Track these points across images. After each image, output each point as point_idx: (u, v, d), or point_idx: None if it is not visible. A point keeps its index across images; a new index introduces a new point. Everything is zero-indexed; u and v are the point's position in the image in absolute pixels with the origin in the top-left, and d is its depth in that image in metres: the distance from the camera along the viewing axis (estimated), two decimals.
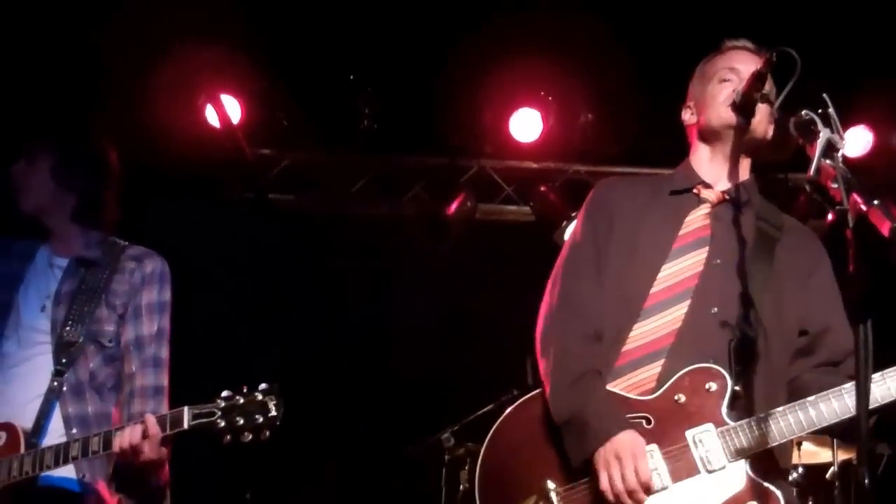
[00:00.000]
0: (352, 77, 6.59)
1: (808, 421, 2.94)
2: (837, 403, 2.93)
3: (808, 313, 3.17)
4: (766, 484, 2.93)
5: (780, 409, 2.96)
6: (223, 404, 3.30)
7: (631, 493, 2.92)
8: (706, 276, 3.12)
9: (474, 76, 6.38)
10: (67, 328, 3.60)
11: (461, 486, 5.90)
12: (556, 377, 3.12)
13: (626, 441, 2.96)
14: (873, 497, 2.39)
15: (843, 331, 3.11)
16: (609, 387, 3.10)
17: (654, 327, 3.11)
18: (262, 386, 3.34)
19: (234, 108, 6.40)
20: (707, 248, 3.17)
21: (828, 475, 5.65)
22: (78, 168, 3.76)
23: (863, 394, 2.31)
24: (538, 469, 3.06)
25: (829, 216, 2.36)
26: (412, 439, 6.06)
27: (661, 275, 3.16)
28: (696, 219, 3.24)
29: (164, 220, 5.80)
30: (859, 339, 2.35)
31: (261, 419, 3.29)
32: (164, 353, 3.73)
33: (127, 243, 3.85)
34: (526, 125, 6.70)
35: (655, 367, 3.07)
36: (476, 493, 3.13)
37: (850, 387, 2.90)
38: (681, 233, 3.22)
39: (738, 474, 2.94)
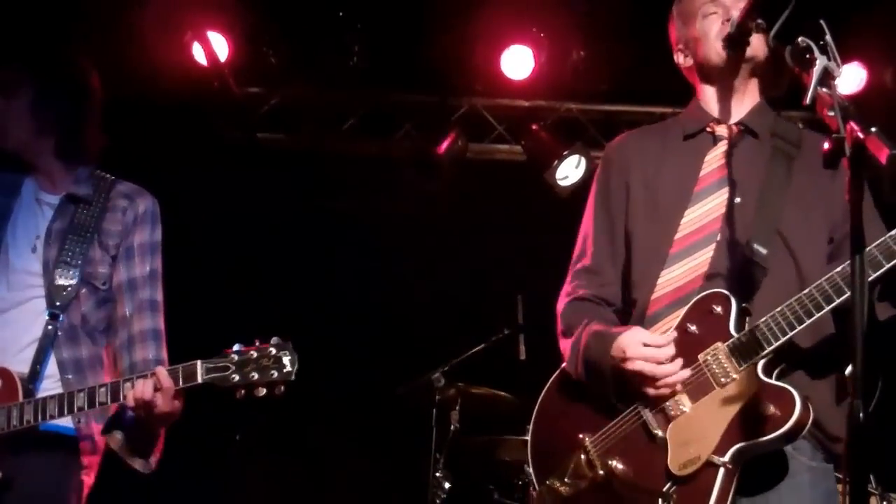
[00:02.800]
0: (341, 14, 6.49)
1: (806, 311, 2.93)
2: (829, 287, 2.91)
3: (832, 220, 3.15)
4: (779, 384, 2.95)
5: (778, 308, 2.96)
6: (237, 358, 3.27)
7: (662, 382, 3.02)
8: (729, 216, 3.13)
9: (465, 13, 6.29)
10: (59, 270, 3.53)
11: (451, 427, 5.90)
12: (569, 343, 3.25)
13: (618, 351, 3.06)
14: (869, 430, 2.36)
15: (871, 229, 3.05)
16: None
17: (682, 273, 3.15)
18: (275, 339, 3.31)
19: (221, 45, 6.30)
20: (727, 188, 3.17)
21: None
22: (59, 100, 3.63)
23: (859, 322, 2.28)
24: (576, 429, 3.20)
25: (826, 145, 2.31)
26: (402, 380, 6.05)
27: (684, 220, 3.19)
28: (714, 158, 3.24)
29: (151, 159, 5.74)
30: (854, 270, 2.32)
31: (276, 374, 3.26)
32: (159, 295, 3.68)
33: (114, 178, 3.76)
34: (517, 62, 6.61)
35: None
36: (530, 464, 3.31)
37: (841, 270, 2.90)
38: (701, 174, 3.23)
39: (750, 380, 2.97)
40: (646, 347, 3.04)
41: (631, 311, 3.26)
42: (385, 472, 7.01)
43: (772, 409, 2.90)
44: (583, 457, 3.14)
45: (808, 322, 2.94)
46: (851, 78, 6.33)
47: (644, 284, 3.21)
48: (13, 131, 3.62)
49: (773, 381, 2.96)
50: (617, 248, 3.32)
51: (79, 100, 3.69)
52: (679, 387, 3.04)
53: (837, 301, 2.90)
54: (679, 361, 3.02)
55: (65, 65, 3.71)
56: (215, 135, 6.74)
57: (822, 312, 2.92)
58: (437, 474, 5.79)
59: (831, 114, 2.46)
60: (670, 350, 3.03)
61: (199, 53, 6.23)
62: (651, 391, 3.05)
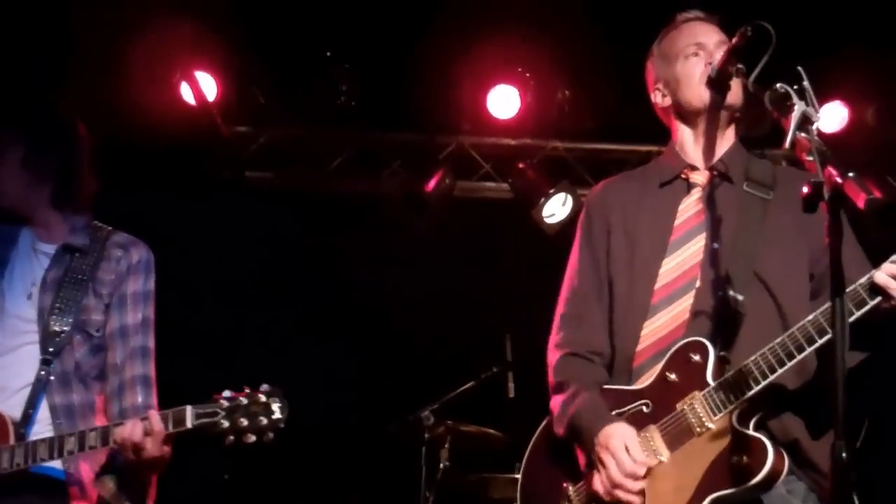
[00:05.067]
0: (329, 53, 6.54)
1: (778, 359, 2.93)
2: (802, 340, 2.92)
3: (812, 255, 3.17)
4: (751, 433, 2.96)
5: (753, 356, 2.97)
6: (226, 405, 3.27)
7: (618, 487, 3.03)
8: (707, 262, 3.15)
9: (452, 52, 6.34)
10: (54, 317, 3.57)
11: (441, 465, 5.89)
12: (557, 402, 3.27)
13: (603, 438, 3.08)
14: (853, 471, 2.38)
15: (850, 262, 3.06)
16: (621, 387, 3.22)
17: (663, 322, 3.17)
18: (265, 387, 3.31)
19: (209, 85, 6.34)
20: (704, 235, 3.19)
21: None
22: (50, 153, 3.67)
23: (840, 365, 2.30)
24: (561, 478, 3.24)
25: (805, 189, 2.35)
26: (392, 418, 6.05)
27: (662, 270, 3.20)
28: (689, 206, 3.26)
29: (140, 200, 5.76)
30: (835, 313, 2.35)
31: (265, 421, 3.25)
32: (150, 342, 3.71)
33: (111, 228, 3.81)
34: (503, 102, 6.67)
35: None
36: None
37: (812, 318, 2.91)
38: (676, 223, 3.24)
39: (724, 430, 2.98)
40: (623, 452, 3.04)
41: (618, 361, 3.26)
42: None
43: (745, 459, 2.92)
44: None
45: (780, 371, 2.94)
46: (833, 116, 6.38)
47: (627, 336, 3.22)
48: (8, 190, 3.66)
49: (746, 431, 2.97)
50: (603, 293, 3.32)
51: (68, 150, 3.72)
52: (657, 439, 3.07)
53: (808, 349, 2.91)
54: (640, 484, 3.03)
55: (52, 117, 3.75)
56: (204, 174, 6.76)
57: (793, 361, 2.93)
58: None
59: (810, 158, 2.50)
60: (640, 472, 3.04)
61: (187, 93, 6.27)
62: (598, 486, 3.08)
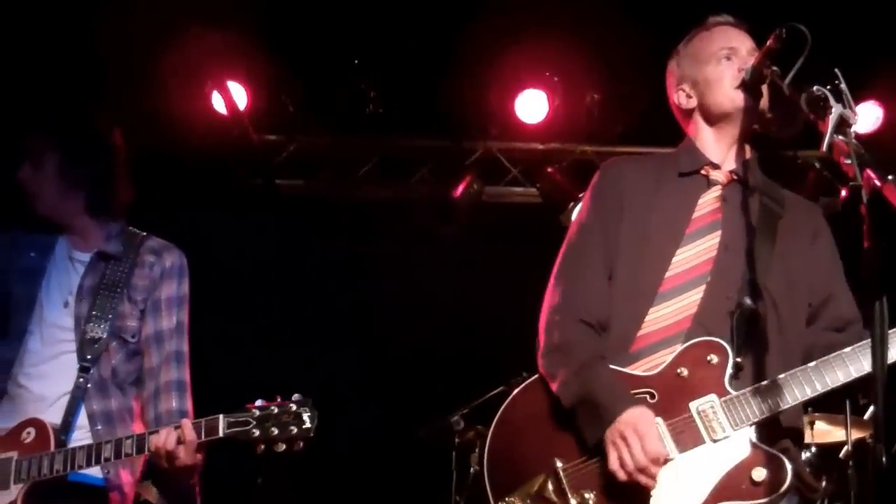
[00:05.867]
0: (357, 61, 6.57)
1: (811, 387, 2.96)
2: (839, 369, 2.96)
3: (811, 288, 3.19)
4: (771, 450, 2.96)
5: (783, 375, 2.97)
6: (258, 414, 3.31)
7: (641, 470, 2.96)
8: (720, 260, 3.13)
9: (479, 58, 6.36)
10: (91, 324, 3.61)
11: (471, 470, 5.90)
12: (563, 365, 3.15)
13: (631, 419, 2.99)
14: (890, 475, 2.38)
15: (845, 299, 3.19)
16: (626, 370, 3.13)
17: (671, 311, 3.12)
18: (296, 396, 3.35)
19: (240, 94, 6.40)
20: (719, 232, 3.18)
21: (841, 454, 5.63)
22: (85, 162, 3.71)
23: (879, 370, 2.30)
24: (546, 449, 3.10)
25: (843, 192, 2.35)
26: (422, 423, 6.06)
27: (675, 259, 3.17)
28: (708, 202, 3.24)
29: (172, 208, 5.80)
30: (876, 316, 2.34)
31: (295, 430, 3.29)
32: (185, 346, 3.74)
33: (145, 234, 3.85)
34: (532, 106, 6.69)
35: (672, 351, 3.09)
36: (485, 474, 3.16)
37: (850, 351, 2.96)
38: (694, 216, 3.22)
39: (743, 442, 2.97)
40: (649, 441, 2.97)
41: (615, 340, 3.18)
42: None
43: (764, 475, 2.91)
44: (550, 481, 3.06)
45: (812, 396, 2.97)
46: (867, 117, 6.35)
47: (628, 319, 3.16)
48: (44, 197, 3.70)
49: (765, 448, 2.97)
50: (607, 262, 3.24)
51: (104, 158, 3.76)
52: (666, 434, 3.02)
53: (843, 381, 2.95)
54: (655, 472, 2.97)
55: (87, 126, 3.79)
56: (235, 182, 6.81)
57: (828, 389, 2.96)
58: None
59: (848, 161, 2.48)
60: (657, 467, 2.97)
61: (218, 103, 6.32)
62: (615, 467, 2.99)
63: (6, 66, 5.64)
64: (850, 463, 5.56)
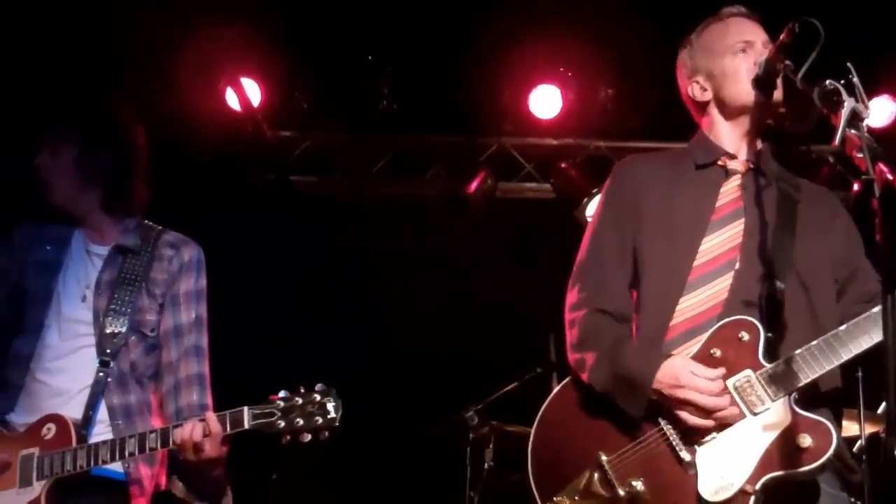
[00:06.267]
0: (370, 57, 6.57)
1: (846, 350, 2.96)
2: (873, 329, 2.94)
3: (835, 261, 3.21)
4: (814, 416, 2.97)
5: (815, 342, 2.98)
6: (282, 405, 3.31)
7: (714, 409, 2.98)
8: (746, 246, 3.16)
9: (493, 54, 6.36)
10: (109, 318, 3.61)
11: (486, 465, 5.90)
12: (592, 355, 3.19)
13: (667, 377, 3.03)
14: None
15: (869, 273, 3.21)
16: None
17: (702, 299, 3.15)
18: (319, 386, 3.35)
19: (254, 90, 6.41)
20: (743, 220, 3.20)
21: (855, 449, 5.61)
22: (103, 156, 3.70)
23: (892, 363, 2.29)
24: (589, 444, 3.14)
25: (855, 186, 2.36)
26: (436, 419, 6.07)
27: (702, 248, 3.19)
28: (730, 190, 3.26)
29: (186, 205, 5.81)
30: (888, 309, 2.34)
31: (320, 420, 3.29)
32: (204, 340, 3.76)
33: (161, 228, 3.85)
34: (545, 102, 6.68)
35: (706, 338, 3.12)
36: (531, 477, 3.24)
37: (876, 312, 2.92)
38: (718, 204, 3.24)
39: (784, 411, 2.99)
40: (697, 378, 3.01)
41: (648, 334, 3.22)
42: None
43: (809, 440, 2.92)
44: (597, 475, 3.09)
45: (846, 359, 2.97)
46: (881, 112, 6.33)
47: (660, 310, 3.20)
48: (60, 187, 3.70)
49: (807, 414, 2.98)
50: (626, 262, 3.29)
51: (123, 154, 3.76)
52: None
53: (876, 341, 2.92)
54: (727, 397, 3.01)
55: (109, 120, 3.77)
56: (249, 178, 6.82)
57: (860, 350, 2.96)
58: None
59: (860, 155, 2.49)
60: (720, 384, 3.02)
61: (232, 99, 6.34)
62: (697, 421, 3.01)
63: (20, 63, 5.66)
64: (864, 457, 5.54)
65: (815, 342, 2.98)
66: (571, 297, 3.34)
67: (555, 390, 3.32)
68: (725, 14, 3.38)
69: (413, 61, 6.57)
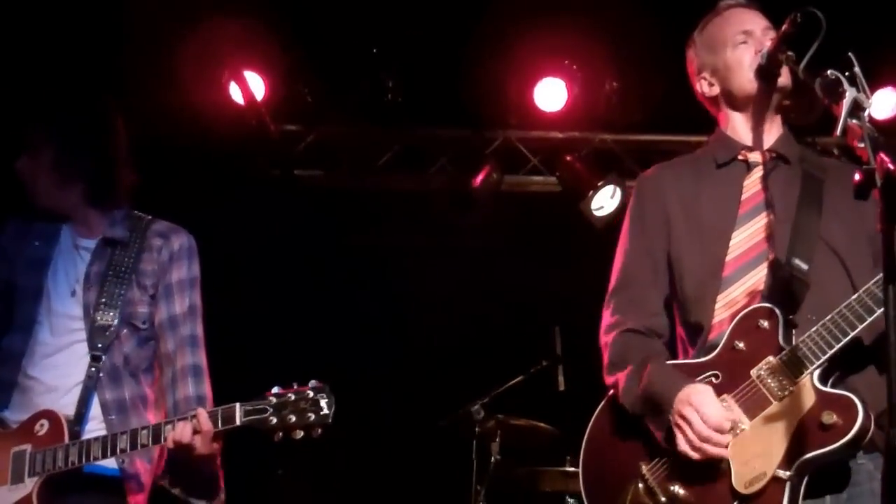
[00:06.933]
0: (375, 50, 6.56)
1: (860, 318, 2.92)
2: (868, 308, 2.91)
3: (868, 231, 3.11)
4: (837, 391, 2.95)
5: (831, 315, 2.95)
6: (275, 401, 3.30)
7: (706, 440, 2.98)
8: (776, 235, 3.14)
9: (497, 47, 6.34)
10: (100, 312, 3.59)
11: (492, 458, 5.91)
12: (622, 376, 3.21)
13: (685, 395, 3.03)
14: None
15: None
16: (689, 361, 3.20)
17: (739, 294, 3.15)
18: (313, 383, 3.34)
19: (257, 84, 6.40)
20: (770, 210, 3.19)
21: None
22: (81, 151, 3.67)
23: (893, 352, 2.28)
24: (632, 458, 3.17)
25: (857, 176, 2.34)
26: (442, 412, 6.07)
27: (733, 242, 3.19)
28: (752, 183, 3.26)
29: (190, 198, 5.81)
30: (890, 299, 2.33)
31: (313, 417, 3.28)
32: (199, 330, 3.73)
33: (150, 217, 3.82)
34: (550, 95, 6.66)
35: None
36: (584, 498, 3.26)
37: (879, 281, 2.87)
38: (743, 198, 3.24)
39: (807, 391, 2.96)
40: (709, 405, 3.00)
41: (693, 337, 3.24)
42: None
43: (834, 417, 2.88)
44: (641, 485, 3.11)
45: (857, 331, 2.93)
46: (884, 104, 6.32)
47: (702, 308, 3.20)
48: (43, 188, 3.69)
49: (831, 390, 2.95)
50: (659, 276, 3.31)
51: (102, 146, 3.71)
52: (735, 408, 3.03)
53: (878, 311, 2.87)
54: (728, 437, 2.99)
55: (84, 113, 3.74)
56: (253, 173, 6.81)
57: (869, 320, 2.91)
58: None
59: (861, 145, 2.48)
60: (727, 425, 2.99)
61: (236, 93, 6.33)
62: (684, 447, 3.01)
63: (23, 57, 5.66)
64: None
65: (830, 315, 2.95)
66: (605, 319, 3.36)
67: (597, 410, 3.33)
68: (723, 7, 3.38)
69: (418, 55, 6.55)
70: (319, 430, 3.31)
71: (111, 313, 3.60)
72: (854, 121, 2.56)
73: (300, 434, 3.30)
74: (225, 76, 6.31)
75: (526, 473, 5.99)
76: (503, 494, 5.94)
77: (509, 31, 6.27)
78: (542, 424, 6.00)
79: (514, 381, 6.08)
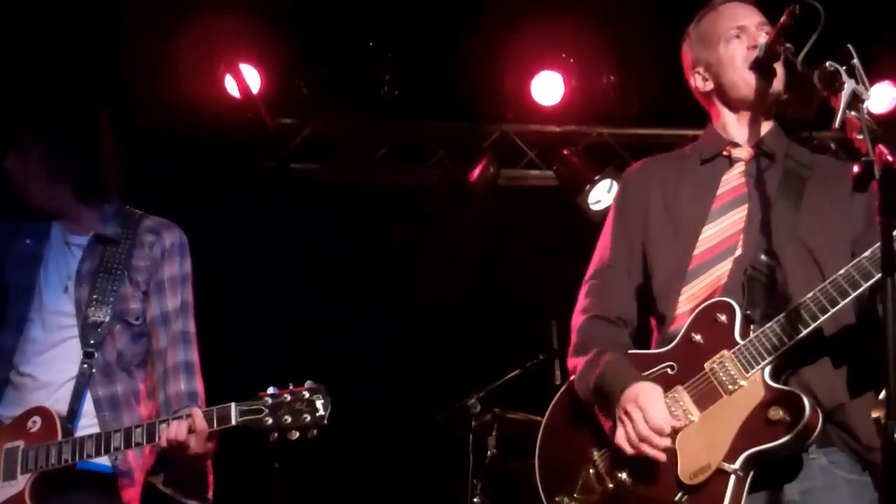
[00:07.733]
0: (371, 44, 6.55)
1: (821, 309, 2.92)
2: (847, 285, 2.91)
3: (853, 233, 3.15)
4: (785, 388, 2.97)
5: (789, 309, 2.97)
6: (270, 401, 3.31)
7: (644, 440, 3.01)
8: (748, 231, 3.15)
9: (494, 39, 6.34)
10: (92, 308, 3.59)
11: (488, 452, 5.90)
12: (581, 361, 3.26)
13: (632, 393, 3.07)
14: None
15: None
16: (647, 351, 3.24)
17: (701, 288, 3.17)
18: (309, 384, 3.34)
19: (253, 77, 6.38)
20: (746, 206, 3.20)
21: None
22: (69, 149, 3.67)
23: (892, 347, 2.28)
24: (584, 443, 3.22)
25: (855, 168, 2.34)
26: (438, 406, 6.06)
27: (702, 237, 3.21)
28: (732, 178, 3.26)
29: (185, 191, 5.80)
30: (888, 291, 2.32)
31: (308, 418, 3.29)
32: (191, 326, 3.73)
33: (142, 213, 3.81)
34: (547, 88, 6.66)
35: None
36: (538, 481, 3.31)
37: (834, 280, 2.92)
38: (718, 193, 3.25)
39: (757, 386, 2.99)
40: (654, 406, 3.03)
41: (657, 328, 3.29)
42: (422, 498, 7.01)
43: (780, 413, 2.91)
44: (591, 471, 3.17)
45: (810, 329, 2.93)
46: (883, 98, 6.32)
47: (667, 301, 3.23)
48: (32, 187, 3.69)
49: (780, 386, 2.97)
50: (633, 267, 3.35)
51: (89, 142, 3.72)
52: (686, 399, 3.06)
53: (853, 294, 2.90)
54: (666, 441, 3.02)
55: (69, 113, 3.74)
56: (249, 166, 6.80)
57: (836, 308, 2.92)
58: (475, 500, 5.79)
59: (860, 137, 2.48)
60: (668, 428, 3.03)
61: (231, 86, 6.31)
62: (622, 442, 3.06)
63: (18, 53, 5.64)
64: None
65: (783, 314, 2.96)
66: (578, 301, 3.41)
67: (557, 395, 3.38)
68: (718, 1, 3.37)
69: (414, 48, 6.55)
70: (315, 431, 3.32)
71: (103, 310, 3.59)
72: (853, 113, 2.56)
73: (296, 435, 3.31)
74: (221, 69, 6.29)
75: (522, 467, 5.97)
76: (500, 488, 5.93)
77: (506, 24, 6.26)
78: (538, 418, 5.96)
79: (510, 375, 6.06)
